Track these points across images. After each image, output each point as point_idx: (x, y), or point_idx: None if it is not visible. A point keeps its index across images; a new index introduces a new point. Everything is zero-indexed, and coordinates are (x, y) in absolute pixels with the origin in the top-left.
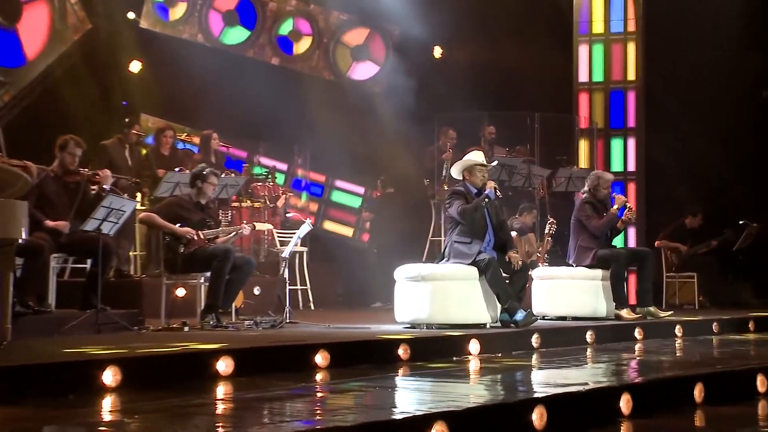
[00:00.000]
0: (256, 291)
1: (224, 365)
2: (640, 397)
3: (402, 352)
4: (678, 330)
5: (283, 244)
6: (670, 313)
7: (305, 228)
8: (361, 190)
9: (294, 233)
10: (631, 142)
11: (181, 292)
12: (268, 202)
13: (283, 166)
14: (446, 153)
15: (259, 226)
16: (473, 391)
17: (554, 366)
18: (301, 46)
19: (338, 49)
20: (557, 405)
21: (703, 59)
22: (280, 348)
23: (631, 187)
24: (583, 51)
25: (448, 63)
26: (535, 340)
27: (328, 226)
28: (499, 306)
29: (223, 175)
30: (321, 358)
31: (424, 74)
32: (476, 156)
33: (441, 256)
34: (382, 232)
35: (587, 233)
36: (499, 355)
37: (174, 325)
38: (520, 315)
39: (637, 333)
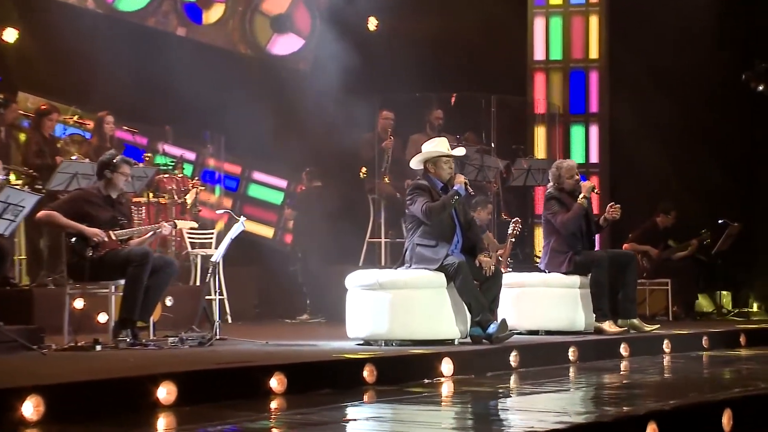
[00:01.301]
0: (168, 302)
1: (165, 392)
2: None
3: (367, 374)
4: (666, 345)
5: (195, 246)
6: (656, 326)
7: (238, 228)
8: (283, 183)
9: (209, 233)
10: (594, 130)
11: (79, 303)
12: (175, 197)
13: (192, 156)
14: (387, 141)
15: (182, 224)
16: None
17: (543, 390)
18: (212, 15)
19: (256, 19)
20: None
21: (676, 35)
22: (228, 371)
23: (594, 181)
24: (539, 25)
25: (386, 37)
26: (513, 358)
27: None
28: (468, 318)
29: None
30: (276, 383)
31: (359, 50)
32: (441, 145)
33: (400, 261)
34: (308, 232)
35: (559, 235)
36: (473, 376)
37: (82, 344)
38: (492, 327)
39: (623, 349)
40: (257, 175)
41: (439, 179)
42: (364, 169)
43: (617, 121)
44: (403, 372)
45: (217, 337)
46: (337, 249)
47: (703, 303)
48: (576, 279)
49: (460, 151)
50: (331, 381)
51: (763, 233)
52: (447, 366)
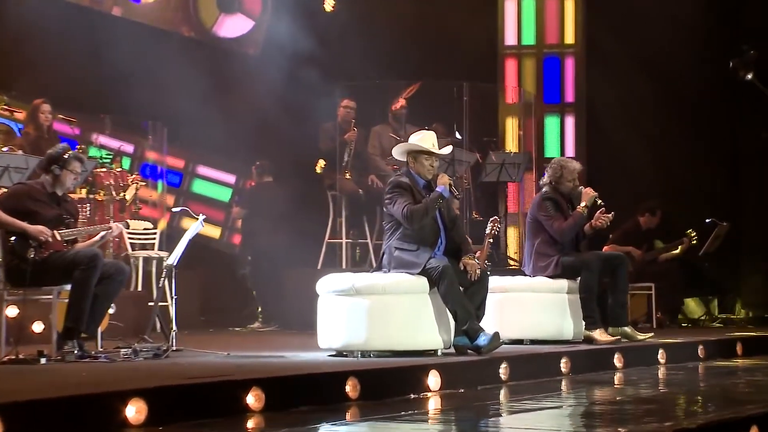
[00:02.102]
0: (111, 309)
1: (135, 411)
2: None
3: (350, 388)
4: (661, 355)
5: (135, 247)
6: (649, 335)
7: (197, 227)
8: (231, 178)
9: (152, 233)
10: (570, 121)
11: (12, 311)
12: (113, 194)
13: (130, 148)
14: (350, 132)
15: (134, 224)
16: None
17: (541, 407)
18: None
19: None
20: None
21: (659, 18)
22: (202, 387)
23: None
24: (510, 7)
25: (345, 19)
26: (503, 370)
27: (188, 224)
28: (452, 327)
29: None
30: (253, 399)
31: (315, 33)
32: (425, 140)
33: (377, 264)
34: (259, 233)
35: (545, 236)
36: (461, 390)
37: (23, 356)
38: (483, 339)
39: (617, 360)
40: (202, 170)
41: (421, 176)
42: (321, 163)
43: (595, 111)
44: (387, 386)
45: (173, 348)
46: (292, 251)
47: (689, 309)
48: (563, 283)
49: (446, 150)
50: (311, 396)
51: (751, 233)
52: (434, 379)
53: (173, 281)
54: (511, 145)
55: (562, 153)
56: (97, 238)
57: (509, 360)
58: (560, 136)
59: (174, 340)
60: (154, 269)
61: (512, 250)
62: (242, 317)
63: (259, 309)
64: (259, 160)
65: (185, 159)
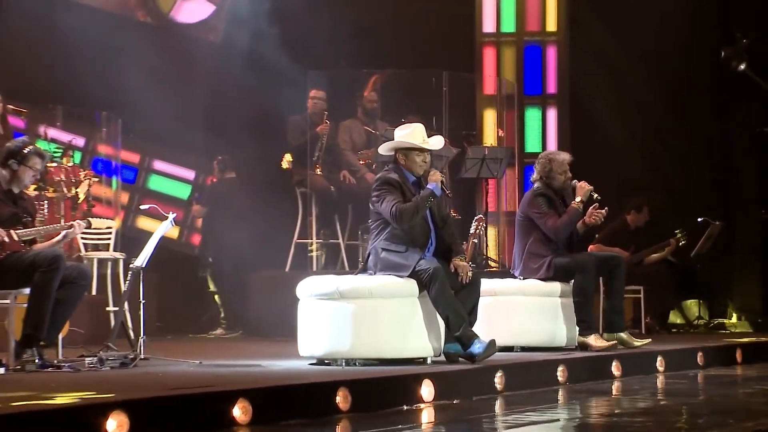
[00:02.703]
0: None
1: (116, 425)
2: None
3: (340, 399)
4: (660, 363)
5: (88, 248)
6: (647, 341)
7: (166, 226)
8: (190, 174)
9: (107, 233)
10: (552, 114)
11: None
12: (65, 191)
13: (81, 141)
14: (322, 125)
15: (97, 222)
16: None
17: (538, 419)
18: None
19: None
20: None
21: (648, 5)
22: (186, 399)
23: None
24: None
25: (313, 4)
26: (498, 380)
27: (144, 223)
28: (442, 333)
29: None
30: (240, 411)
31: (281, 18)
32: (415, 135)
33: (362, 266)
34: (221, 232)
35: (538, 234)
36: (455, 401)
37: None
38: (479, 347)
39: (615, 368)
40: (159, 165)
41: (412, 173)
42: (287, 158)
43: (579, 104)
44: (379, 397)
45: (141, 356)
46: (258, 252)
47: (680, 313)
48: (556, 286)
49: (437, 142)
50: (301, 408)
51: (744, 233)
52: (427, 389)
53: (141, 284)
54: (490, 139)
55: (544, 148)
56: (58, 237)
57: (504, 369)
58: (541, 130)
59: (142, 348)
60: (109, 271)
61: (492, 251)
62: (202, 323)
63: (222, 314)
64: (221, 155)
65: (140, 153)
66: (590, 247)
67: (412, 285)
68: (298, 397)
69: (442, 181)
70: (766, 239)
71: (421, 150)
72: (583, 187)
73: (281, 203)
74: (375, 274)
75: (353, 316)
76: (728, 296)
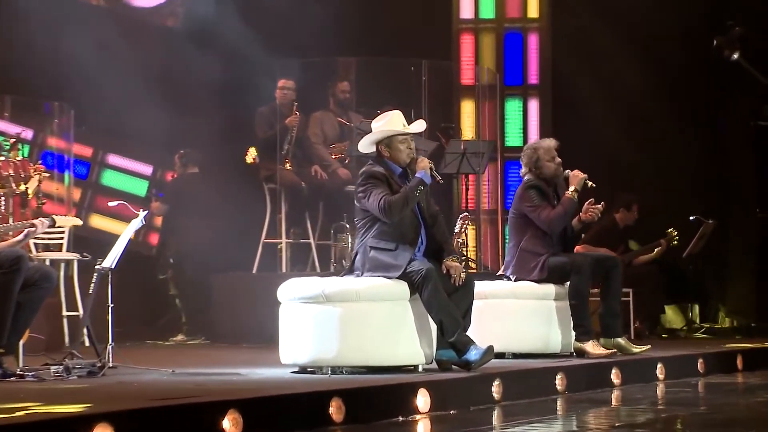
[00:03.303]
0: None
1: None
2: None
3: (334, 410)
4: (660, 371)
5: (39, 248)
6: (646, 347)
7: (137, 224)
8: (148, 169)
9: (59, 233)
10: (534, 106)
11: None
12: (14, 186)
13: (30, 134)
14: (291, 117)
15: (62, 221)
16: None
17: None
18: None
19: None
20: None
21: None
22: (173, 410)
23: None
24: None
25: None
26: (495, 389)
27: (98, 222)
28: (434, 338)
29: None
30: (230, 423)
31: (248, 3)
32: (394, 122)
33: (348, 267)
34: (181, 231)
35: (533, 231)
36: (452, 412)
37: None
38: (475, 353)
39: (614, 376)
40: (114, 159)
41: (397, 163)
42: (252, 152)
43: (562, 95)
44: (373, 407)
45: (110, 364)
46: (223, 252)
47: (668, 318)
48: (550, 289)
49: (419, 126)
50: (293, 420)
51: (738, 232)
52: (423, 399)
53: (110, 287)
54: (469, 131)
55: (525, 141)
56: (19, 237)
57: (502, 377)
58: (522, 122)
59: (110, 356)
60: (62, 273)
61: (471, 251)
62: (158, 328)
63: (183, 319)
64: (183, 148)
65: (93, 147)
66: (576, 248)
67: (403, 287)
68: (289, 407)
69: (431, 168)
70: (760, 239)
71: (404, 136)
72: (576, 176)
73: (248, 200)
74: (362, 274)
75: (340, 320)
76: (720, 299)
